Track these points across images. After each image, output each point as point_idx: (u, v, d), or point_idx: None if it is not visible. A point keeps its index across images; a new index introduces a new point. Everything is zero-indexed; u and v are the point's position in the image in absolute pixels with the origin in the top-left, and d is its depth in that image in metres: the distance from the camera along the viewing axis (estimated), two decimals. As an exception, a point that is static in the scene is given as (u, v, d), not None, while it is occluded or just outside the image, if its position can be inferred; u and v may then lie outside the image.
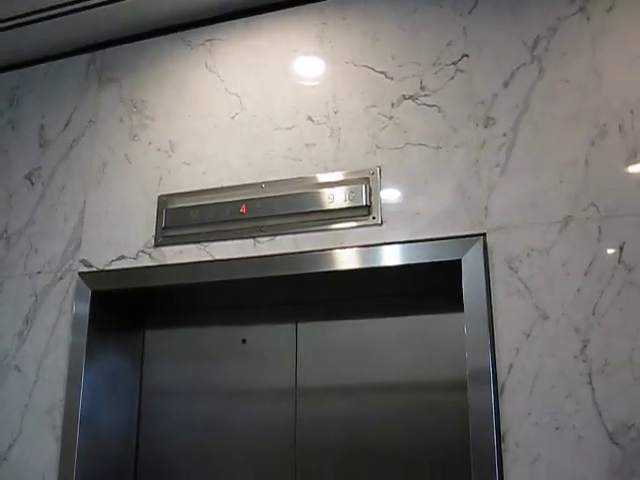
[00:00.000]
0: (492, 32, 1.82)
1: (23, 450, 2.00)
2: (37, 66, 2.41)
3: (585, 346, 1.53)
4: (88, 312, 2.02)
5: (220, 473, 2.10)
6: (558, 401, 1.52)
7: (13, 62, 2.44)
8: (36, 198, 2.23)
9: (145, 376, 2.24)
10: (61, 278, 2.10)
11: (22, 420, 2.02)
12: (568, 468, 1.49)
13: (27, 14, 2.19)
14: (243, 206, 1.92)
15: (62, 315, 2.06)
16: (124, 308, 2.18)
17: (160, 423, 2.19)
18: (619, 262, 1.55)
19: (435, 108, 1.81)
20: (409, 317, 2.00)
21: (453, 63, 1.83)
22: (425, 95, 1.84)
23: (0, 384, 2.09)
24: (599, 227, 1.59)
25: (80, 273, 2.07)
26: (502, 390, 1.57)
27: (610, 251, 1.57)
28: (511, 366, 1.57)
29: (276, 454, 2.04)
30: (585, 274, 1.57)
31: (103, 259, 2.06)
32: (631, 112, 1.63)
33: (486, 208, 1.70)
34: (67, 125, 2.26)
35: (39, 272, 2.14)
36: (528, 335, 1.58)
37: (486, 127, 1.75)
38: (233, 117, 2.04)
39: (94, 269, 2.06)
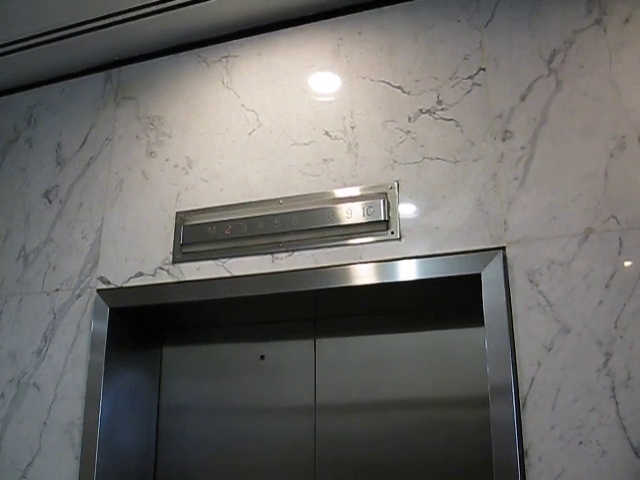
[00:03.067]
0: (509, 45, 1.82)
1: (42, 468, 2.00)
2: (54, 85, 2.43)
3: (608, 359, 1.52)
4: (106, 329, 2.02)
5: (239, 490, 2.08)
6: (581, 415, 1.51)
7: (30, 81, 2.46)
8: (54, 216, 2.24)
9: (163, 393, 2.23)
10: (79, 295, 2.11)
11: (41, 438, 2.02)
12: (593, 483, 1.47)
13: (44, 34, 2.21)
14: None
15: (80, 332, 2.07)
16: (142, 325, 2.18)
17: (178, 440, 2.18)
18: (641, 274, 1.54)
19: (452, 122, 1.81)
20: (429, 332, 1.99)
21: (470, 77, 1.83)
22: (442, 109, 1.84)
23: (19, 402, 2.09)
24: (620, 239, 1.58)
25: (98, 290, 2.08)
26: (524, 404, 1.56)
27: (631, 263, 1.56)
28: (533, 380, 1.56)
29: (296, 471, 2.03)
30: (606, 287, 1.56)
31: (121, 276, 2.07)
32: (650, 124, 1.63)
33: (505, 222, 1.69)
34: (84, 143, 2.28)
35: (57, 290, 2.14)
36: (550, 349, 1.57)
37: (504, 140, 1.75)
38: (250, 133, 2.04)
39: (112, 286, 2.07)
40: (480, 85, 1.82)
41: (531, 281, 1.62)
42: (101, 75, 2.35)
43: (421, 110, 1.86)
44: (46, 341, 2.11)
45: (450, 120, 1.82)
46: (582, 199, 1.63)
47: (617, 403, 1.49)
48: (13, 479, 2.02)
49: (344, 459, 1.99)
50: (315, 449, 2.02)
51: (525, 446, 1.53)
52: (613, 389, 1.50)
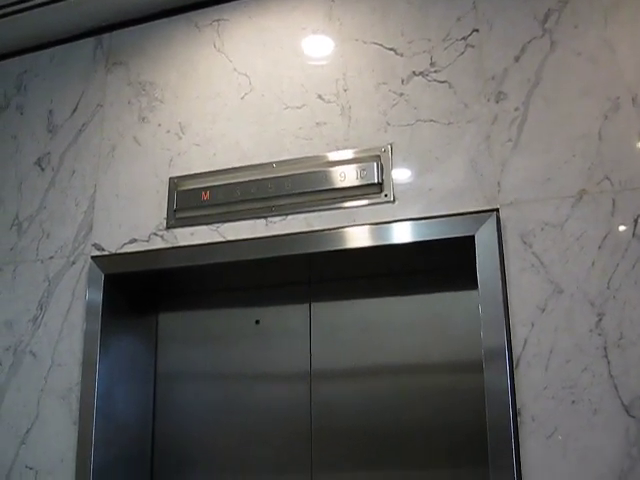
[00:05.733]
0: (502, 6, 1.79)
1: (41, 434, 2.02)
2: (44, 51, 2.40)
3: (600, 320, 1.53)
4: (101, 296, 2.03)
5: (236, 457, 2.10)
6: (574, 375, 1.52)
7: (19, 48, 2.43)
8: (46, 184, 2.23)
9: (159, 359, 2.24)
10: (74, 263, 2.11)
11: (39, 405, 2.04)
12: (584, 441, 1.49)
13: (32, -1, 2.19)
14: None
15: (75, 300, 2.07)
16: (137, 291, 2.19)
17: (176, 406, 2.19)
18: (633, 235, 1.54)
19: (446, 84, 1.80)
20: (423, 295, 1.98)
21: (463, 38, 1.81)
22: (435, 71, 1.82)
23: (16, 369, 2.10)
24: (613, 200, 1.58)
25: (93, 257, 2.08)
26: (517, 365, 1.57)
27: (624, 224, 1.56)
28: (526, 341, 1.57)
29: (292, 436, 2.04)
30: (599, 248, 1.56)
31: (115, 242, 2.06)
32: (644, 84, 1.62)
33: (499, 183, 1.69)
34: (75, 109, 2.26)
35: (51, 257, 2.14)
36: (543, 309, 1.58)
37: (497, 102, 1.74)
38: (242, 97, 2.03)
39: (106, 253, 2.07)
40: (473, 46, 1.80)
41: (524, 243, 1.63)
42: (91, 40, 2.32)
43: (414, 72, 1.84)
44: (41, 309, 2.11)
45: (443, 82, 1.80)
46: (576, 160, 1.63)
47: (609, 363, 1.50)
48: (12, 446, 2.04)
49: (340, 424, 1.99)
50: (311, 415, 2.03)
51: (518, 406, 1.55)
52: (605, 349, 1.51)
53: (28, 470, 2.01)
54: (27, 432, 2.04)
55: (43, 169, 2.25)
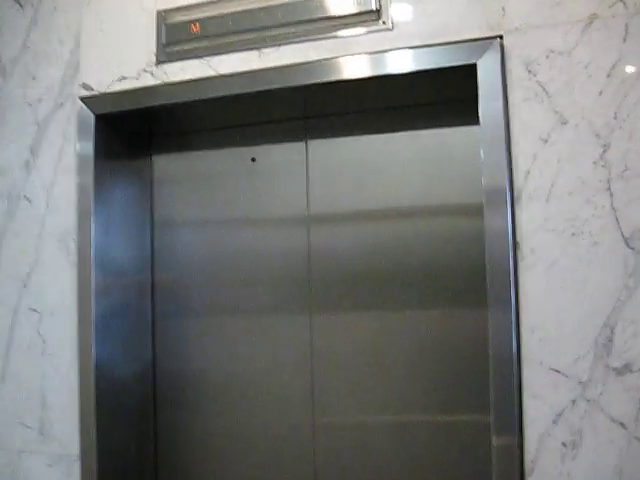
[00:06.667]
0: None
1: (41, 278, 2.04)
2: None
3: (605, 151, 1.49)
4: (93, 139, 1.98)
5: (235, 300, 2.12)
6: (575, 207, 1.51)
7: None
8: (27, 22, 2.11)
9: (156, 204, 2.22)
10: (62, 104, 2.04)
11: (37, 249, 2.04)
12: (583, 273, 1.50)
13: None
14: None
15: (67, 142, 2.02)
16: (130, 133, 2.13)
17: (174, 252, 2.20)
18: (645, 63, 1.48)
19: None
20: (424, 131, 1.92)
21: None
22: None
23: (12, 215, 2.09)
24: (626, 25, 1.49)
25: (82, 97, 2.00)
26: (519, 198, 1.55)
27: (636, 51, 1.48)
28: (528, 173, 1.54)
29: (291, 280, 2.05)
30: (608, 76, 1.50)
31: (104, 81, 1.98)
32: None
33: (503, 8, 1.59)
34: (52, -64, 2.11)
35: (39, 100, 2.07)
36: (546, 141, 1.54)
37: None
38: None
39: (95, 92, 1.99)
40: None
41: (529, 71, 1.56)
42: None
43: None
44: (33, 153, 2.07)
45: None
46: (587, -18, 1.53)
47: (612, 195, 1.49)
48: (15, 290, 2.07)
49: (338, 267, 2.00)
50: (309, 255, 2.03)
51: (518, 239, 1.54)
52: (608, 181, 1.49)
53: (32, 312, 2.04)
54: (27, 276, 2.05)
55: (22, 6, 2.12)
